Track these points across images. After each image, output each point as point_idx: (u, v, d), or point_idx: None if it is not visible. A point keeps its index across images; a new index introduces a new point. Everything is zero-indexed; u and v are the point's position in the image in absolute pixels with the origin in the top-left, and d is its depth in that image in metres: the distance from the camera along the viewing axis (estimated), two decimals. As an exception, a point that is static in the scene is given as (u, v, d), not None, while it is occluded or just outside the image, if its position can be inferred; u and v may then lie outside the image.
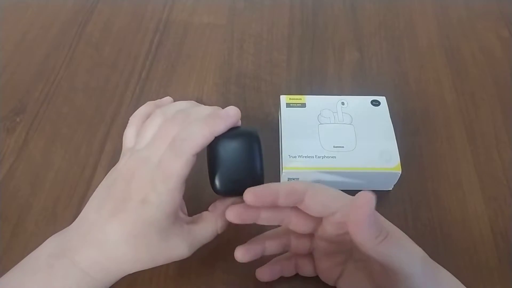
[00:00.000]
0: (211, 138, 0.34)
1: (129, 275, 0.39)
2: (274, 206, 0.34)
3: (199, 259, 0.40)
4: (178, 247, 0.35)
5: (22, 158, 0.47)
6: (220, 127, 0.34)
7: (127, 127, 0.40)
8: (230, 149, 0.35)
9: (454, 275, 0.39)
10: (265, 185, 0.34)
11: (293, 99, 0.47)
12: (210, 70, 0.55)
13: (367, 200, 0.29)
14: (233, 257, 0.40)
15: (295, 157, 0.42)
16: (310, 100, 0.47)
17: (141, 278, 0.39)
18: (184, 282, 0.39)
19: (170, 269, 0.40)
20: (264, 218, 0.34)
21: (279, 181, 0.44)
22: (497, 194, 0.45)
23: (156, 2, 0.63)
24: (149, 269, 0.39)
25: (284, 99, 0.47)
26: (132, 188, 0.34)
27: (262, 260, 0.37)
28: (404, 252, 0.31)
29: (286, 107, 0.46)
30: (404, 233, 0.33)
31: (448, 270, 0.40)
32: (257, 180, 0.35)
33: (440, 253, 0.41)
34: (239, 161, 0.35)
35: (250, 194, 0.32)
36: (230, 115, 0.34)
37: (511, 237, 0.42)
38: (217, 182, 0.36)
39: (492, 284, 0.39)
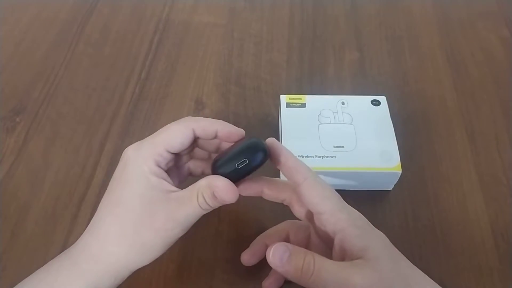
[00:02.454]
0: (213, 128, 0.36)
1: (129, 276, 0.39)
2: (276, 185, 0.36)
3: (199, 259, 0.40)
4: (164, 220, 0.33)
5: (22, 158, 0.47)
6: (228, 128, 0.36)
7: None
8: (242, 148, 0.34)
9: (454, 275, 0.39)
10: (284, 148, 0.34)
11: (293, 99, 0.47)
12: (210, 70, 0.55)
13: (273, 249, 0.31)
14: (233, 257, 0.40)
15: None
16: (310, 100, 0.47)
17: (141, 278, 0.39)
18: (184, 282, 0.39)
19: (170, 269, 0.40)
20: (267, 194, 0.36)
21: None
22: (497, 194, 0.45)
23: (156, 2, 0.63)
24: (149, 269, 0.39)
25: (284, 99, 0.47)
26: (121, 166, 0.35)
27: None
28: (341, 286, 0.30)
29: (286, 107, 0.46)
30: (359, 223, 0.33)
31: (448, 270, 0.40)
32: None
33: (440, 253, 0.41)
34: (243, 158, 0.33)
35: (270, 140, 0.34)
36: (234, 128, 0.37)
37: (511, 237, 0.42)
38: (220, 165, 0.34)
39: (492, 285, 0.39)
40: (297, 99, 0.47)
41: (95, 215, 0.35)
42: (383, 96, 0.47)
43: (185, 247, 0.41)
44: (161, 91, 0.53)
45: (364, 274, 0.30)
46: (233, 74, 0.55)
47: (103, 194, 0.44)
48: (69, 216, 0.43)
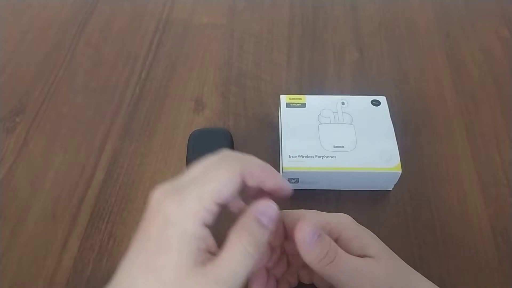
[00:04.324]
0: (261, 178, 0.31)
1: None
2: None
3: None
4: None
5: (22, 158, 0.47)
6: (277, 181, 0.32)
7: None
8: (205, 141, 0.45)
9: (454, 275, 0.39)
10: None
11: (293, 99, 0.47)
12: (210, 70, 0.55)
13: (304, 226, 0.30)
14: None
15: (295, 157, 0.42)
16: (310, 100, 0.47)
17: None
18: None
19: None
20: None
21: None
22: (497, 194, 0.45)
23: (156, 2, 0.63)
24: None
25: (284, 99, 0.47)
26: (159, 223, 0.28)
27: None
28: (353, 278, 0.31)
29: (286, 107, 0.46)
30: (390, 255, 0.33)
31: (448, 271, 0.40)
32: None
33: (440, 253, 0.41)
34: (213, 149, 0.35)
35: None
36: (284, 183, 0.32)
37: (511, 237, 0.42)
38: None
39: (492, 285, 0.39)
40: (297, 99, 0.47)
41: (121, 269, 0.29)
42: (383, 96, 0.47)
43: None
44: (161, 91, 0.53)
45: (378, 266, 0.30)
46: (233, 74, 0.55)
47: (103, 194, 0.44)
48: (69, 216, 0.43)
